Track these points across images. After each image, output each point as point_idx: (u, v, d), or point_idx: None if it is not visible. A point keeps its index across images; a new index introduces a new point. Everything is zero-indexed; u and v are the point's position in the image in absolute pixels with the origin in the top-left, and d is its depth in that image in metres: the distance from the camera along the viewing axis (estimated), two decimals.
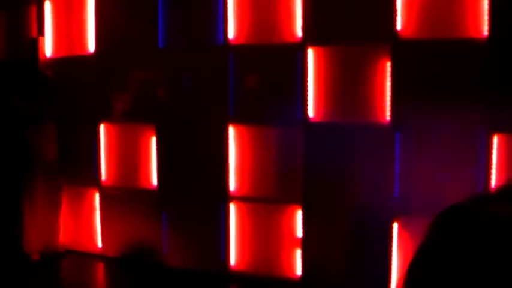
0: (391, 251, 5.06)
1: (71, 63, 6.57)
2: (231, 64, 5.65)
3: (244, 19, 5.60)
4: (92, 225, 6.57)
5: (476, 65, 4.70)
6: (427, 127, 4.89)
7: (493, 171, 4.72)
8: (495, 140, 4.72)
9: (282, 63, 5.47)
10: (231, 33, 5.64)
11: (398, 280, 5.06)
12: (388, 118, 5.03)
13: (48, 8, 6.69)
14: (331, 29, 5.26)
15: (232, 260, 5.80)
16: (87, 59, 6.44)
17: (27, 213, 6.18)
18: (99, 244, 6.53)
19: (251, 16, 5.57)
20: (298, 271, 5.51)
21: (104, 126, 6.40)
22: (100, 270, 6.58)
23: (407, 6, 4.92)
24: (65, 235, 6.68)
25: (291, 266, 5.55)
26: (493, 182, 4.73)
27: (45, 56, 6.72)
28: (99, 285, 6.45)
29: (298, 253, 5.50)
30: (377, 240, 5.15)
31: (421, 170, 4.93)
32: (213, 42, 5.73)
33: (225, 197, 5.75)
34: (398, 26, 4.95)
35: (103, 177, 6.44)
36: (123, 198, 6.30)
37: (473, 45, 4.71)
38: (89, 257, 6.56)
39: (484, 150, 4.73)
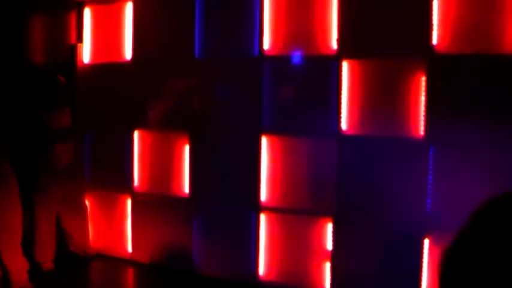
0: (421, 266, 5.01)
1: (108, 70, 6.68)
2: (264, 75, 5.68)
3: (279, 30, 5.63)
4: (123, 231, 6.65)
5: None
6: (461, 142, 4.84)
7: None
8: None
9: (317, 75, 5.48)
10: (266, 45, 5.67)
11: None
12: (422, 133, 4.99)
13: (87, 14, 6.82)
14: (367, 42, 5.25)
15: (261, 270, 5.81)
16: (124, 66, 6.55)
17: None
18: (130, 249, 6.61)
19: (286, 28, 5.60)
20: (327, 284, 5.49)
21: (138, 133, 6.47)
22: (130, 275, 6.63)
23: (443, 20, 4.89)
24: (96, 240, 6.78)
25: (320, 278, 5.53)
26: None
27: (83, 62, 6.84)
28: None
29: (328, 266, 5.48)
30: (408, 255, 5.10)
31: (454, 186, 4.87)
32: (248, 52, 5.76)
33: (256, 207, 5.77)
34: (434, 40, 4.91)
35: (136, 183, 6.52)
36: (155, 204, 6.37)
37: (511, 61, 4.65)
38: (120, 262, 6.63)
39: None
